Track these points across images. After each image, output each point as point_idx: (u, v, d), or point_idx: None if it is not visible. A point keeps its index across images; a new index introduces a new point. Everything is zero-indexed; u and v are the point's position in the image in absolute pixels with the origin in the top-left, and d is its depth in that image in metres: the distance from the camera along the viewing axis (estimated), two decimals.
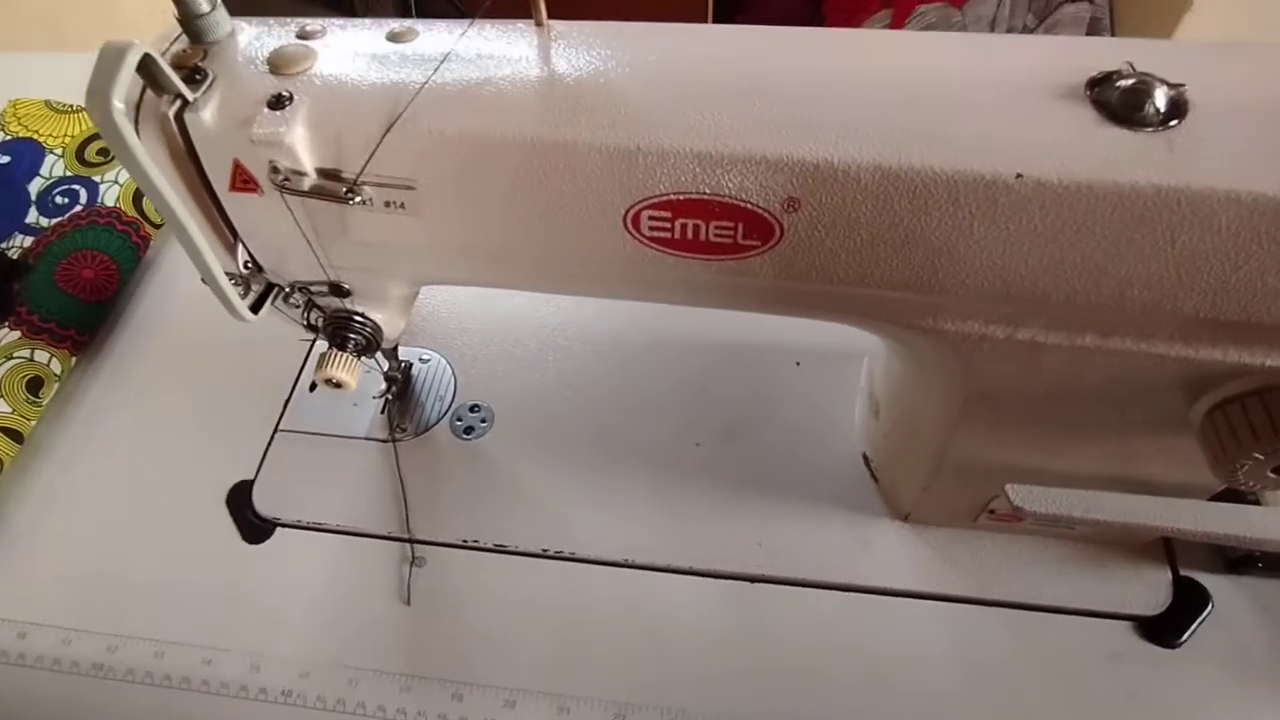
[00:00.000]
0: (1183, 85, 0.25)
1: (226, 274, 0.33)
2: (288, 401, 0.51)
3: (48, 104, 0.63)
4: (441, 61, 0.28)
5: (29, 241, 0.56)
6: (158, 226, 0.60)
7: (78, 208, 0.58)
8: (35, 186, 0.59)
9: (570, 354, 0.51)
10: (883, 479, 0.45)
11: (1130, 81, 0.25)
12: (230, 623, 0.43)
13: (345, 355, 0.35)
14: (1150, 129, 0.24)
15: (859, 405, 0.48)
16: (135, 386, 0.53)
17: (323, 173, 0.29)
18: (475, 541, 0.45)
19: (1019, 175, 0.24)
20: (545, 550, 0.44)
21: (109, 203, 0.59)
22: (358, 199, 0.29)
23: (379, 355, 0.47)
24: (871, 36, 0.29)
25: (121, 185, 0.59)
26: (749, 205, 0.26)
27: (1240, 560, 0.42)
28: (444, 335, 0.53)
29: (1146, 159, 0.24)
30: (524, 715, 0.39)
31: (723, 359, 0.51)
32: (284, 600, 0.44)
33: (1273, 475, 0.28)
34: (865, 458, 0.46)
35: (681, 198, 0.26)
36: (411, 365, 0.51)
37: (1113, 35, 1.49)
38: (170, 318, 0.57)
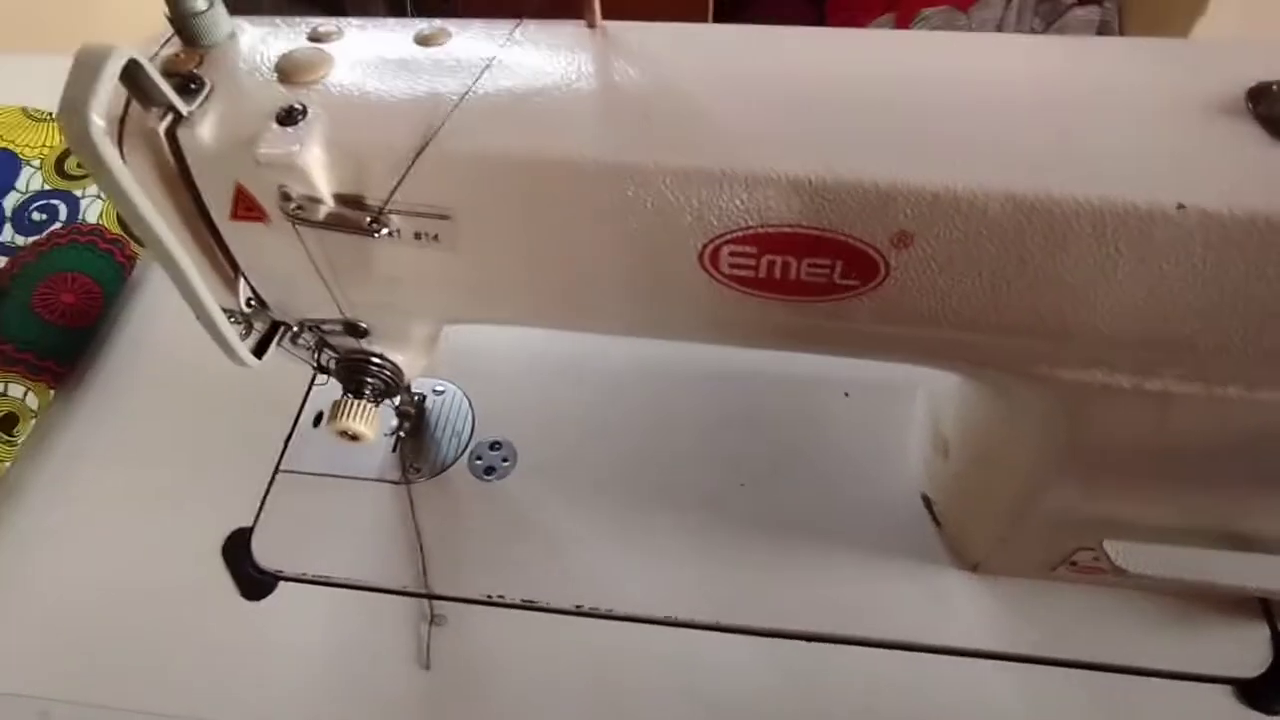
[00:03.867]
0: None
1: (226, 312, 0.29)
2: (289, 438, 0.46)
3: (24, 111, 0.59)
4: (484, 69, 0.24)
5: (3, 262, 0.51)
6: (143, 245, 0.56)
7: (57, 225, 0.54)
8: (10, 202, 0.54)
9: (599, 384, 0.47)
10: (948, 524, 0.41)
11: None
12: (228, 690, 0.39)
13: (362, 403, 0.31)
14: None
15: (916, 440, 0.44)
16: (120, 422, 0.49)
17: (342, 199, 0.25)
18: (500, 597, 0.40)
19: (1181, 206, 0.20)
20: (579, 607, 0.40)
21: (91, 219, 0.54)
22: (384, 230, 0.24)
23: None
24: (982, 40, 0.25)
25: (105, 200, 0.55)
26: (851, 240, 0.22)
27: None
28: (460, 364, 0.48)
29: None
30: None
31: (765, 390, 0.47)
32: (288, 664, 0.40)
33: None
34: (926, 499, 0.42)
35: (771, 231, 0.22)
36: (425, 398, 0.47)
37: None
38: (158, 345, 0.52)
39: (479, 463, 0.45)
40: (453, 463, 0.45)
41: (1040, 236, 0.22)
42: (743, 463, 0.44)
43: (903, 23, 1.45)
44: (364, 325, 0.30)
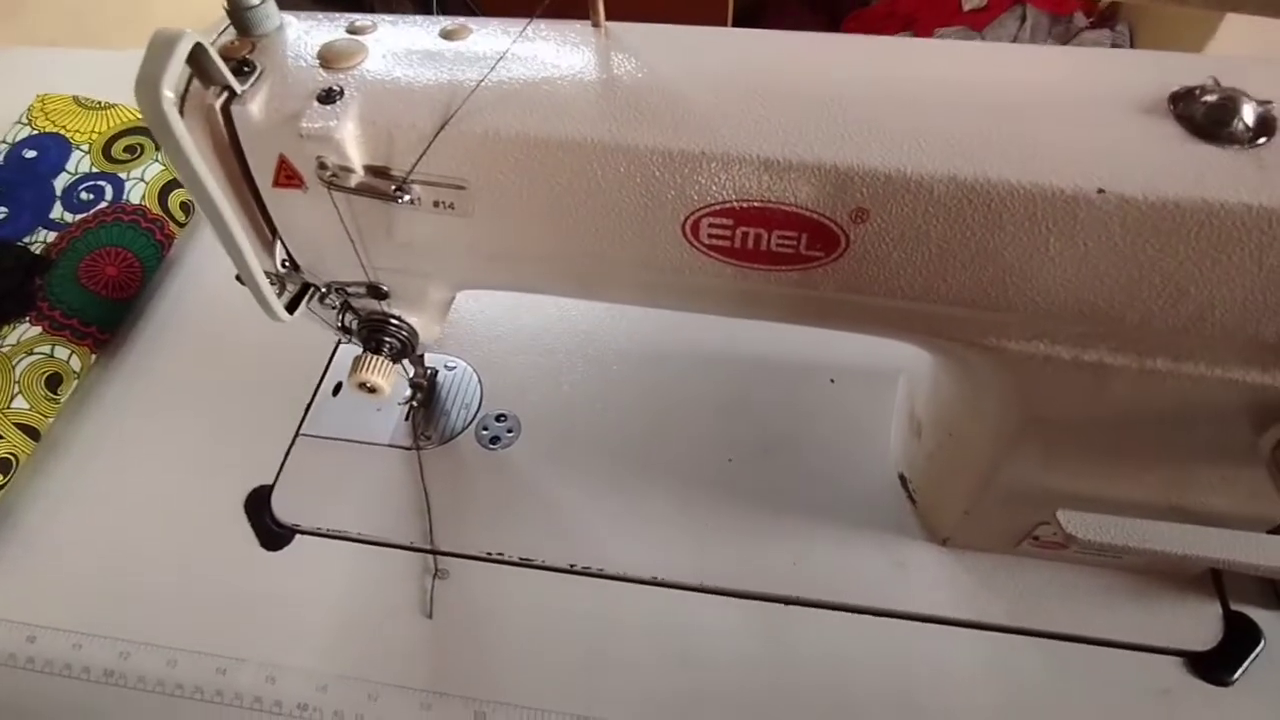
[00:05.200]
0: (1270, 102, 0.24)
1: (265, 273, 0.32)
2: (310, 405, 0.50)
3: (76, 100, 0.63)
4: (498, 60, 0.27)
5: (53, 237, 0.55)
6: (181, 225, 0.60)
7: (103, 204, 0.57)
8: (61, 182, 0.58)
9: (599, 364, 0.50)
10: (922, 501, 0.44)
11: (1216, 97, 0.24)
12: (246, 631, 0.42)
13: (380, 359, 0.34)
14: (1238, 146, 0.24)
15: (895, 424, 0.47)
16: (155, 386, 0.52)
17: (371, 170, 0.28)
18: (500, 555, 0.43)
19: (1101, 190, 0.23)
20: (572, 566, 0.43)
21: (134, 200, 0.58)
22: (406, 198, 0.28)
23: (404, 361, 0.46)
24: (945, 46, 0.28)
25: (147, 183, 0.59)
26: (815, 215, 0.25)
27: None
28: (470, 343, 0.52)
29: (1235, 177, 0.23)
30: None
31: (755, 374, 0.50)
32: (302, 610, 0.43)
33: None
34: (902, 478, 0.45)
35: (745, 205, 0.25)
36: (437, 372, 0.50)
37: None
38: (192, 317, 0.56)
39: (485, 433, 0.48)
40: (461, 432, 0.48)
41: (980, 215, 0.25)
42: (731, 440, 0.47)
43: None
44: (385, 288, 0.33)
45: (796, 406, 0.48)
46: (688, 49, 0.28)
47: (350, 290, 0.34)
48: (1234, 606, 0.40)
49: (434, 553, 0.43)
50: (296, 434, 0.49)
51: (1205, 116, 0.24)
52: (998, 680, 0.39)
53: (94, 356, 0.52)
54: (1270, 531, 0.34)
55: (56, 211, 0.57)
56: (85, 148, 0.60)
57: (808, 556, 0.43)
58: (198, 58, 0.26)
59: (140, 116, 0.62)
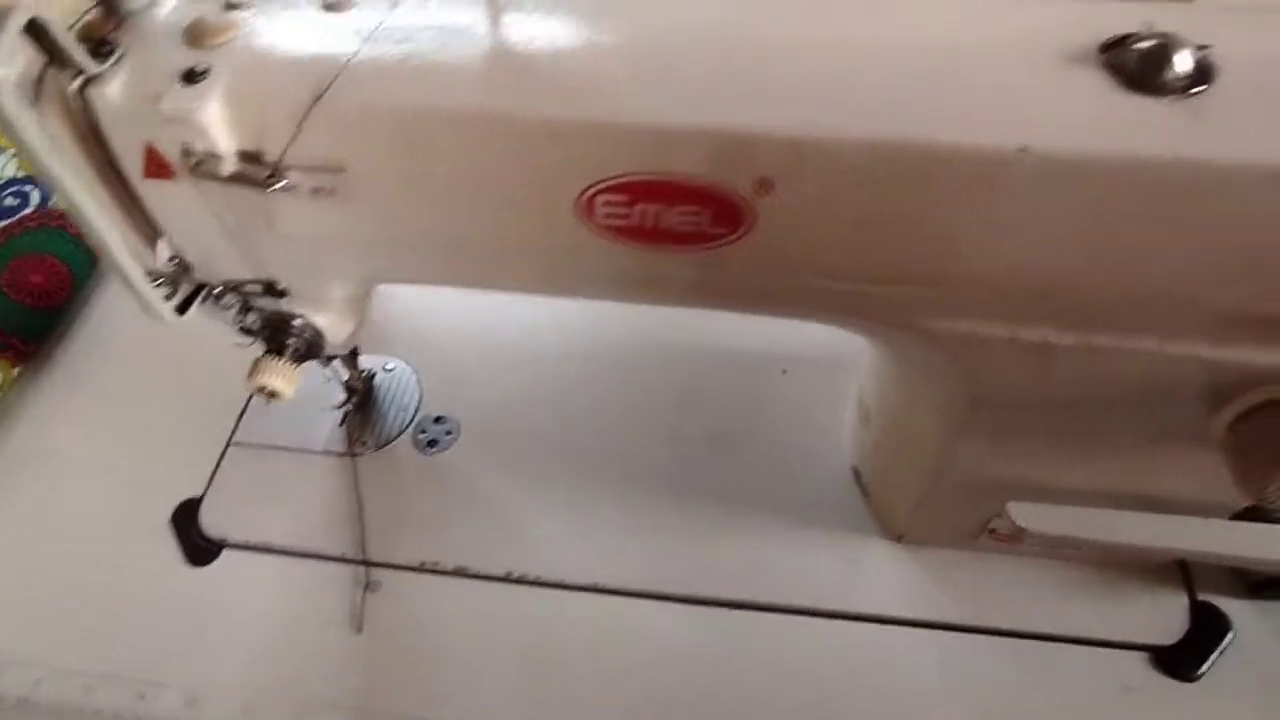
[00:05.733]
0: (1209, 47, 0.22)
1: (150, 273, 0.30)
2: (242, 413, 0.47)
3: None
4: (375, 29, 0.25)
5: None
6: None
7: (28, 210, 0.55)
8: None
9: (542, 363, 0.48)
10: (873, 494, 0.41)
11: (1149, 43, 0.22)
12: (169, 652, 0.40)
13: (281, 361, 0.32)
14: (1172, 96, 0.21)
15: (849, 415, 0.45)
16: (83, 397, 0.50)
17: (243, 155, 0.26)
18: (434, 564, 0.41)
19: (1023, 149, 0.21)
20: (510, 574, 0.41)
21: (63, 205, 0.55)
22: (281, 184, 0.25)
23: (338, 364, 0.44)
24: None
25: None
26: (715, 187, 0.23)
27: (1263, 584, 0.38)
28: (409, 343, 0.49)
29: (1168, 130, 0.21)
30: None
31: (703, 367, 0.47)
32: (228, 628, 0.40)
33: None
34: (855, 471, 0.43)
35: (638, 179, 0.23)
36: (374, 375, 0.48)
37: None
38: (125, 326, 0.53)
39: (422, 436, 0.46)
40: (397, 436, 0.46)
41: (897, 181, 0.22)
42: (679, 437, 0.45)
43: None
44: (282, 286, 0.31)
45: (746, 400, 0.46)
46: (583, 12, 0.26)
47: (247, 290, 0.32)
48: (1201, 596, 0.38)
49: (364, 564, 0.41)
50: (228, 443, 0.46)
51: (1137, 64, 0.22)
52: (955, 682, 0.37)
53: (16, 369, 0.50)
54: (1234, 517, 0.32)
55: None
56: (11, 151, 0.58)
57: (757, 557, 0.41)
58: (40, 36, 0.24)
59: None
